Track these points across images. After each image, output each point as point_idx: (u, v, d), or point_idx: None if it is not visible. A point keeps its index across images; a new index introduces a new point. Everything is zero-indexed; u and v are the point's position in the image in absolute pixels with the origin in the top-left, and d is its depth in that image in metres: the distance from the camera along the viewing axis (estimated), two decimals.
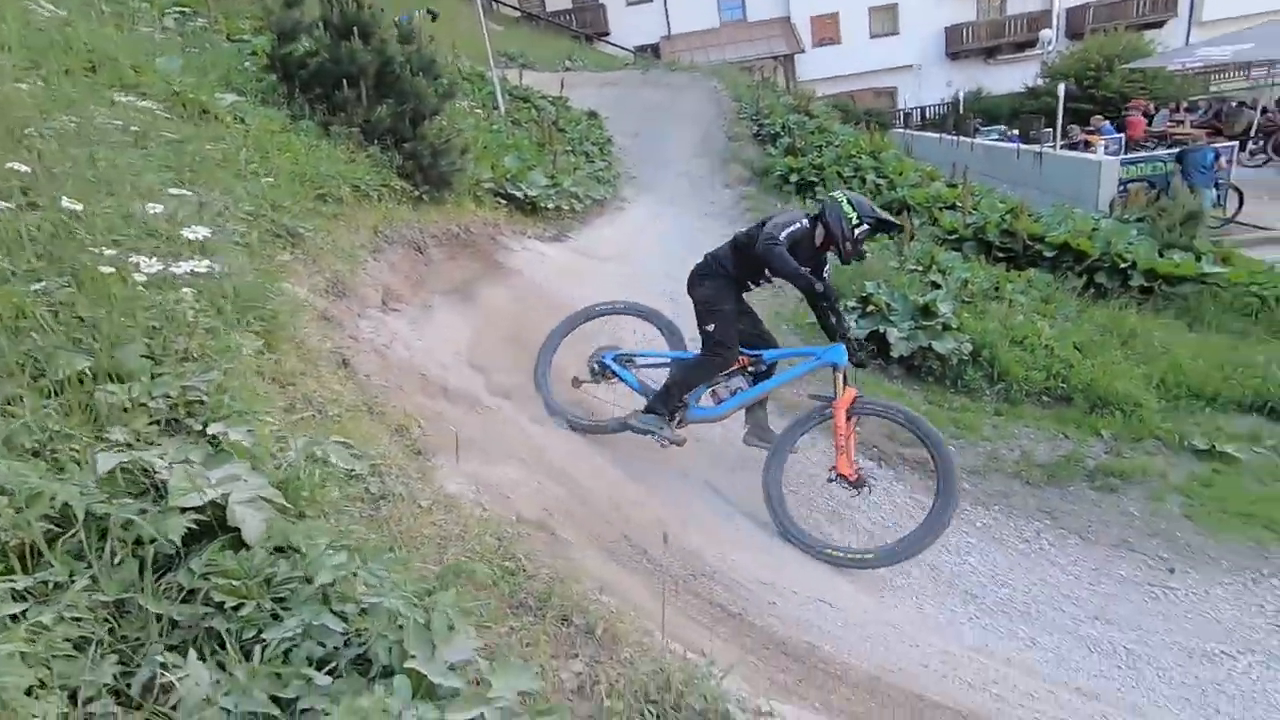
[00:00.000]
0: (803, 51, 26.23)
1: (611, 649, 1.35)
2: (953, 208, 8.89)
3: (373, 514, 1.68)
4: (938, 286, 6.35)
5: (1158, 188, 9.79)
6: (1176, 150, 10.79)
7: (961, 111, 19.73)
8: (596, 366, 4.09)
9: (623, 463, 3.65)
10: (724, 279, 3.72)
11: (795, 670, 1.94)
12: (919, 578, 3.48)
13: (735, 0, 26.86)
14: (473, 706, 1.08)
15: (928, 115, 24.92)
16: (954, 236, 8.43)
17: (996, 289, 6.82)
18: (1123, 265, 7.31)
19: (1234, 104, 16.49)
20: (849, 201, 3.58)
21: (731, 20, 26.83)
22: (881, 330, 5.19)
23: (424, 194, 5.53)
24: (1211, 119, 16.28)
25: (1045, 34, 20.70)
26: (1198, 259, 7.44)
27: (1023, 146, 12.89)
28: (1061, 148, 12.94)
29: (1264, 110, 15.63)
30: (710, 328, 3.68)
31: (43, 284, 1.59)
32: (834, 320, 3.67)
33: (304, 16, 5.18)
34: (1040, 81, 17.84)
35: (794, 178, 10.65)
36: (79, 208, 1.82)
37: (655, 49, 25.00)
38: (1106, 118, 16.77)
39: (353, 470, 1.69)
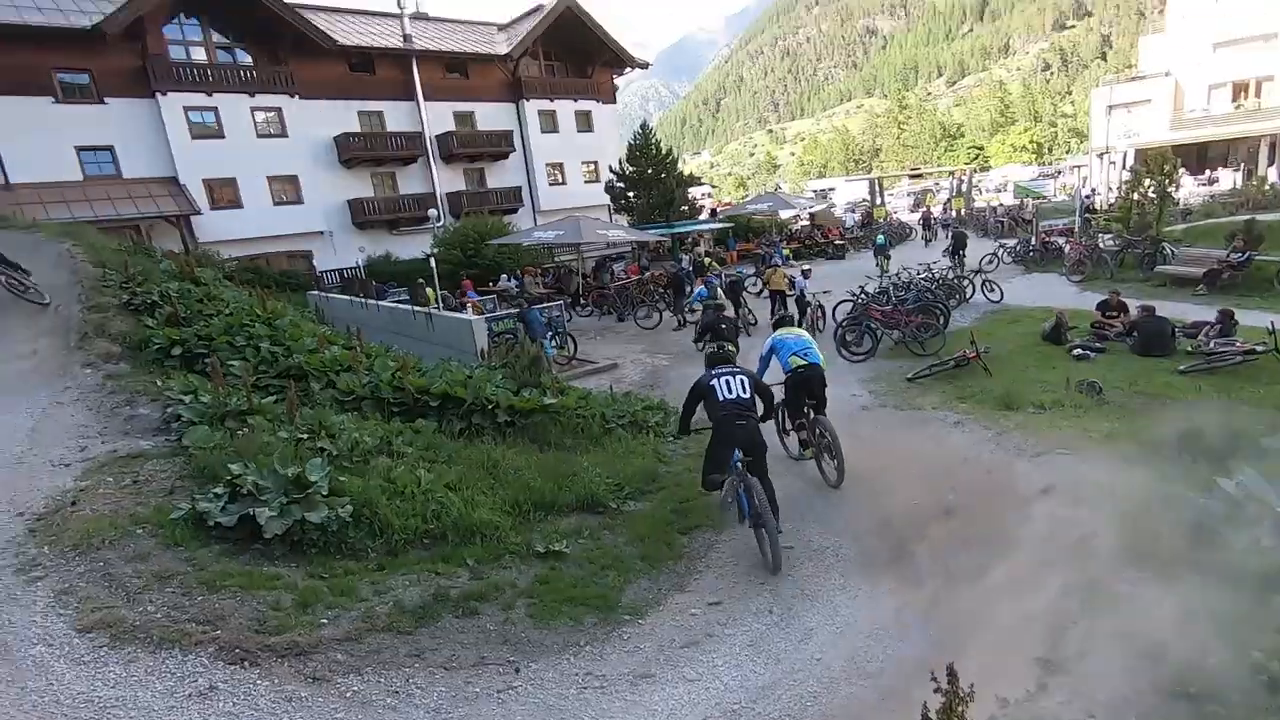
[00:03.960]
0: (199, 213, 24.58)
1: None
2: (349, 369, 9.32)
3: None
4: (326, 452, 6.48)
5: (516, 340, 12.25)
6: (517, 311, 13.85)
7: (364, 276, 21.25)
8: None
9: None
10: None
11: None
12: None
13: (105, 154, 23.71)
14: None
15: (347, 277, 26.11)
16: (352, 397, 8.81)
17: (390, 444, 7.35)
18: (490, 406, 8.78)
19: (566, 270, 22.17)
20: None
21: (100, 175, 23.47)
22: (251, 513, 4.94)
23: None
24: (554, 282, 21.54)
25: (432, 212, 24.40)
26: (542, 394, 9.48)
27: (416, 308, 14.57)
28: (448, 308, 15.11)
29: (584, 275, 21.46)
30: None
31: None
32: None
33: None
34: (434, 251, 20.87)
35: (177, 350, 9.65)
36: None
37: None
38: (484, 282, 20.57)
39: None
